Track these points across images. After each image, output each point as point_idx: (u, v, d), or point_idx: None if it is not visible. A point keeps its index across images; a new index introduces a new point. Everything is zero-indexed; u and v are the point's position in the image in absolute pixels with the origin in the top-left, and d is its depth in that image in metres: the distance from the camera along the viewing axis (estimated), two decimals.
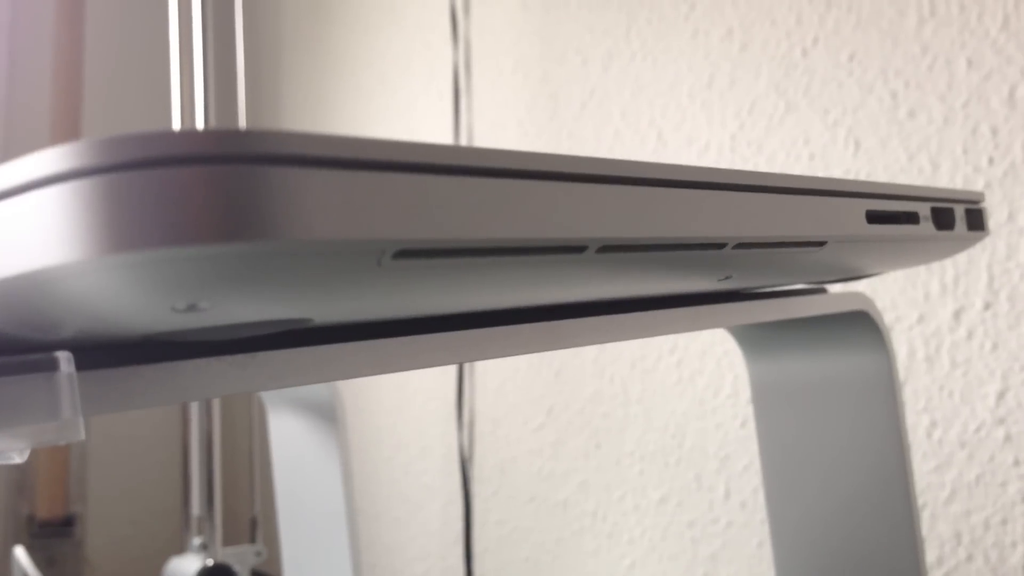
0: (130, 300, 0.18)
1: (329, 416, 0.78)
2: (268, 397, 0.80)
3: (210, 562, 1.05)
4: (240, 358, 0.26)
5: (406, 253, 0.20)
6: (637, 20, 0.96)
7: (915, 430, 0.74)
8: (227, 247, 0.17)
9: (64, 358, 0.22)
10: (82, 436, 0.22)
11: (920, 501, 0.74)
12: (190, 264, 0.17)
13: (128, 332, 0.22)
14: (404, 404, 1.21)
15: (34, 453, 1.34)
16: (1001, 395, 0.70)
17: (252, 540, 1.19)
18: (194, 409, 1.14)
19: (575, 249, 0.25)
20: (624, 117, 0.96)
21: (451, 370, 1.14)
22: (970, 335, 0.72)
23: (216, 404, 1.16)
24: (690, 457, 0.90)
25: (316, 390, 0.77)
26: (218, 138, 0.17)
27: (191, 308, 0.19)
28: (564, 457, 1.02)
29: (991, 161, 0.71)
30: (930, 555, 0.73)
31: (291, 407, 0.79)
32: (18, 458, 0.24)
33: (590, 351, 0.99)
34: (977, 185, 0.71)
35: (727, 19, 0.88)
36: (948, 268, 0.73)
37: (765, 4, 0.85)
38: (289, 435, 0.80)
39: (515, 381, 1.07)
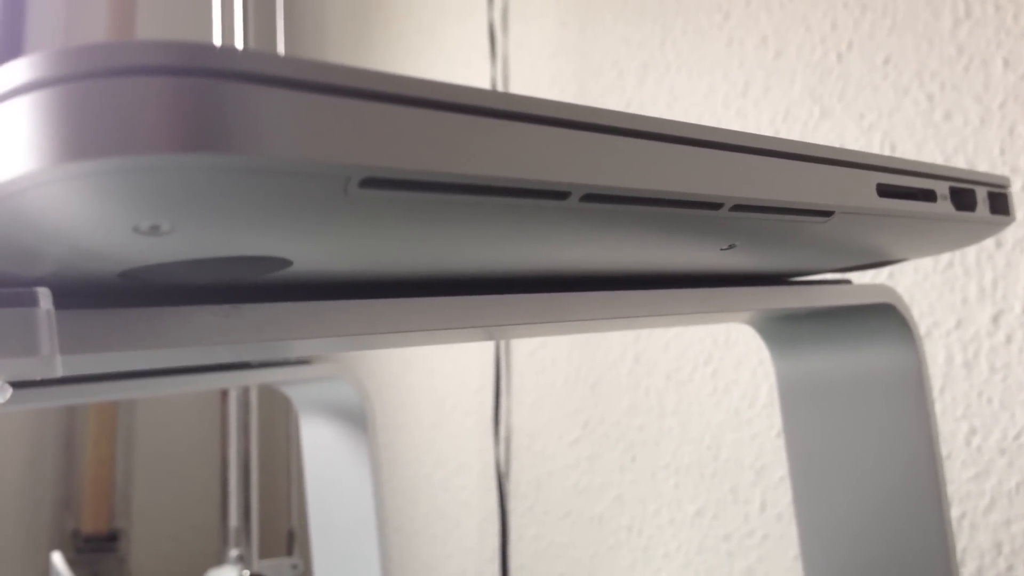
0: (91, 215, 0.18)
1: (360, 424, 0.78)
2: (300, 404, 0.80)
3: (246, 574, 1.05)
4: (224, 308, 0.26)
5: (372, 182, 0.20)
6: (672, 31, 0.96)
7: (954, 437, 0.72)
8: (178, 158, 0.17)
9: (43, 294, 0.22)
10: (59, 373, 0.22)
11: (959, 510, 0.72)
12: (145, 176, 0.17)
13: (102, 266, 0.22)
14: (442, 420, 1.21)
15: (80, 469, 1.36)
16: None
17: (289, 553, 1.20)
18: (233, 423, 1.15)
19: (557, 195, 0.24)
20: None
21: (488, 385, 1.14)
22: (1009, 339, 0.70)
23: (254, 420, 1.17)
24: (726, 469, 0.89)
25: (347, 397, 0.77)
26: (179, 50, 0.18)
27: (154, 230, 0.19)
28: (599, 471, 1.01)
29: None
30: (970, 566, 0.70)
31: (322, 414, 0.79)
32: None
33: (624, 363, 0.98)
34: (1015, 186, 0.70)
35: (761, 27, 0.88)
36: (986, 271, 0.71)
37: (799, 10, 0.85)
38: (320, 443, 0.80)
39: (551, 396, 1.06)
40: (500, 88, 1.15)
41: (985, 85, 0.72)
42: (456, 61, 1.23)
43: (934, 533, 0.52)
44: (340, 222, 0.22)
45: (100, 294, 0.25)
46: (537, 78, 1.11)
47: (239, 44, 1.15)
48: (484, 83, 1.18)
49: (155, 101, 0.17)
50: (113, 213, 0.18)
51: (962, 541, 0.71)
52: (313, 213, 0.21)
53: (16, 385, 0.22)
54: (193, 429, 1.41)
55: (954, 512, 0.72)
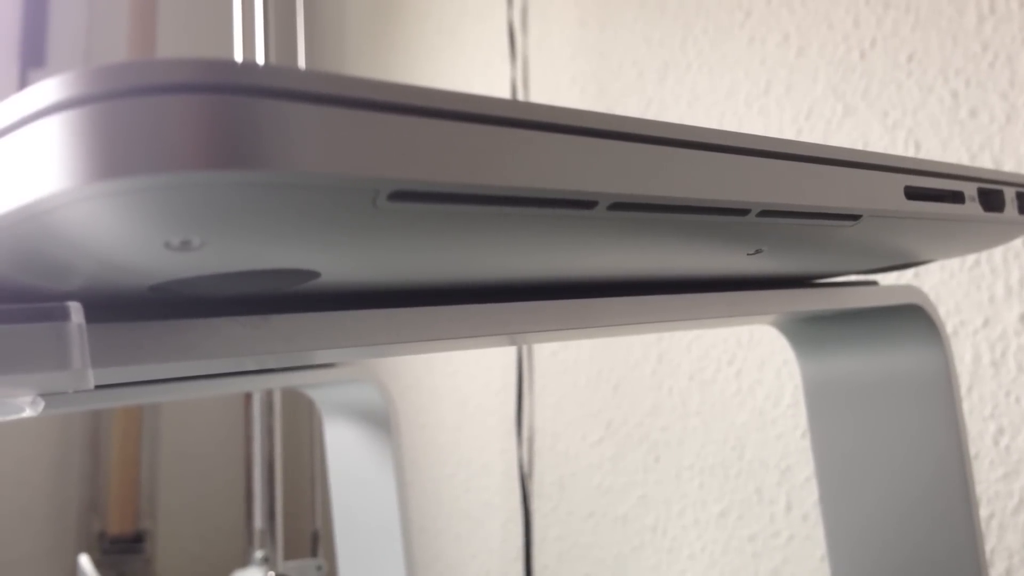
0: (122, 232, 0.18)
1: (383, 425, 0.78)
2: (324, 406, 0.81)
3: (271, 575, 1.06)
4: (254, 319, 0.26)
5: (401, 195, 0.20)
6: (693, 30, 0.95)
7: (982, 437, 0.71)
8: (209, 175, 0.17)
9: (75, 308, 0.23)
10: (91, 385, 0.23)
11: (988, 511, 0.71)
12: (176, 193, 0.18)
13: (133, 280, 0.22)
14: (465, 421, 1.21)
15: (105, 471, 1.37)
16: None
17: (314, 554, 1.20)
18: (256, 425, 1.15)
19: (584, 204, 0.24)
20: None
21: (510, 386, 1.14)
22: None
23: (278, 422, 1.17)
24: (750, 469, 0.88)
25: (370, 399, 0.77)
26: (208, 68, 0.18)
27: (185, 246, 0.19)
28: (623, 471, 1.00)
29: None
30: (999, 566, 0.70)
31: (346, 416, 0.80)
32: (30, 410, 0.24)
33: (647, 364, 0.98)
34: None
35: (783, 25, 0.87)
36: (1013, 270, 0.71)
37: (822, 8, 0.84)
38: (344, 445, 0.80)
39: (573, 396, 1.06)
40: (520, 88, 1.15)
41: (1011, 81, 0.71)
42: (476, 61, 1.23)
43: (962, 534, 0.52)
44: (368, 234, 0.22)
45: (130, 307, 0.25)
46: (557, 78, 1.11)
47: (260, 45, 1.15)
48: (504, 83, 1.18)
49: (185, 119, 0.17)
50: (144, 230, 0.19)
51: (991, 541, 0.71)
52: (342, 226, 0.21)
53: (45, 393, 0.22)
54: (217, 431, 1.41)
55: (982, 512, 0.71)
